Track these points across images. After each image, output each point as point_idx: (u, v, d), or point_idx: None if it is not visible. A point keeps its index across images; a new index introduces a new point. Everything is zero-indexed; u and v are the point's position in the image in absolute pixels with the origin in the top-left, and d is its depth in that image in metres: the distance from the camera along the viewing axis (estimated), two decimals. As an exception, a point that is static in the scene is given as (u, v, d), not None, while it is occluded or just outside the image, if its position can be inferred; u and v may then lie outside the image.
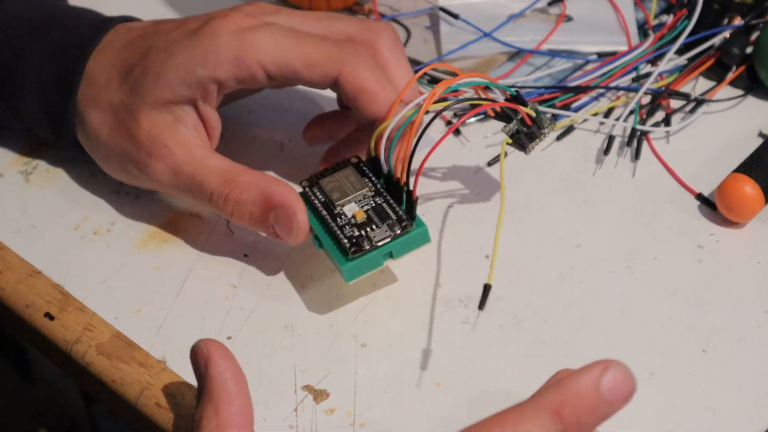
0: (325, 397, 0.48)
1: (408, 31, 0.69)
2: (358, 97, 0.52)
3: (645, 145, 0.61)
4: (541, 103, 0.63)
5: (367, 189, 0.52)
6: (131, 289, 0.54)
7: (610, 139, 0.61)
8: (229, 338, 0.51)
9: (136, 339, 0.51)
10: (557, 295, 0.53)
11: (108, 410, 0.92)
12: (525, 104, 0.54)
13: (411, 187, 0.50)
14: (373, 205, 0.51)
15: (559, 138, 0.62)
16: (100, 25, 0.57)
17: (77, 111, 0.56)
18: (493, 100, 0.53)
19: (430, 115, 0.51)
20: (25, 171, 0.61)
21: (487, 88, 0.54)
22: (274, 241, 0.56)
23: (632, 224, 0.56)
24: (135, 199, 0.58)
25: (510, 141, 0.54)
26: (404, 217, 0.50)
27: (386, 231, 0.50)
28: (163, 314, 0.53)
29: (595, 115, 0.63)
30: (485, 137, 0.62)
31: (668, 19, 0.68)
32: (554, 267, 0.54)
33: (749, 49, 0.65)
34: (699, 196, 0.58)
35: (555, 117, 0.62)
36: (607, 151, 0.60)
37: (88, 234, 0.57)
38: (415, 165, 0.50)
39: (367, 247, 0.49)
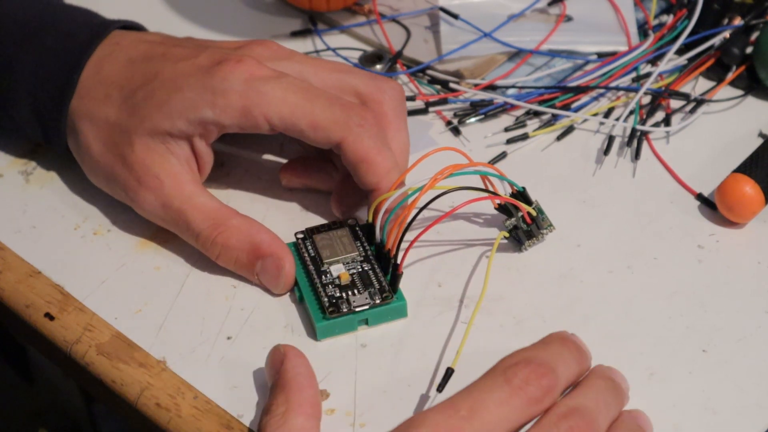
0: (325, 397, 0.48)
1: (408, 31, 0.69)
2: (359, 165, 0.53)
3: (645, 145, 0.61)
4: (541, 103, 0.63)
5: (357, 253, 0.53)
6: (131, 289, 0.54)
7: (610, 139, 0.61)
8: (229, 338, 0.51)
9: (136, 339, 0.51)
10: (557, 295, 0.53)
11: (108, 410, 0.92)
12: (529, 202, 0.54)
13: (398, 261, 0.51)
14: (360, 270, 0.52)
15: (559, 138, 0.62)
16: (95, 31, 0.57)
17: (70, 120, 0.56)
18: (496, 193, 0.53)
19: (429, 196, 0.51)
20: (25, 171, 0.61)
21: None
22: (274, 241, 0.56)
23: (632, 224, 0.56)
24: (135, 199, 0.58)
25: (507, 235, 0.54)
26: (386, 288, 0.51)
27: (366, 298, 0.51)
28: (163, 314, 0.53)
29: (595, 115, 0.63)
30: (485, 137, 0.62)
31: (668, 19, 0.68)
32: (554, 267, 0.54)
33: (749, 49, 0.65)
34: (699, 196, 0.58)
35: (555, 117, 0.62)
36: (607, 151, 0.60)
37: (88, 234, 0.57)
38: (409, 235, 0.51)
39: (345, 310, 0.50)
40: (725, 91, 0.64)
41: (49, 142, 0.58)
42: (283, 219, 0.57)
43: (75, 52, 0.56)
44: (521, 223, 0.54)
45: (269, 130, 0.53)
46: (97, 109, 0.55)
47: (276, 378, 0.46)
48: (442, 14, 0.68)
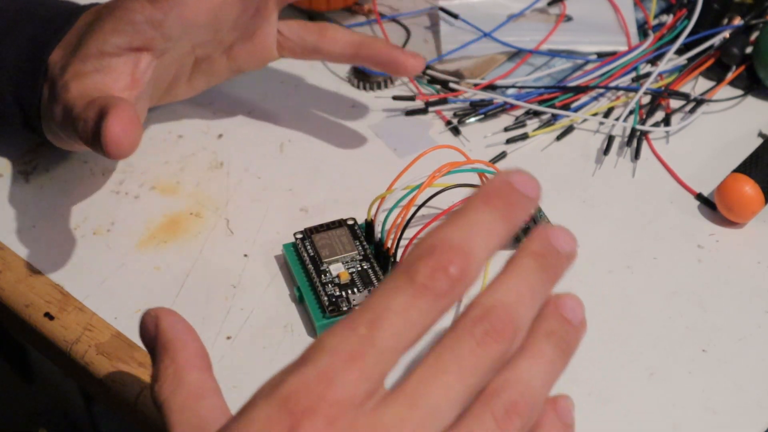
0: (325, 397, 0.48)
1: (408, 31, 0.69)
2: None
3: (645, 145, 0.61)
4: (541, 103, 0.63)
5: (356, 252, 0.53)
6: (131, 289, 0.54)
7: (610, 139, 0.61)
8: (228, 338, 0.51)
9: (136, 339, 0.51)
10: (557, 295, 0.53)
11: (108, 410, 0.92)
12: None
13: (398, 259, 0.51)
14: (359, 269, 0.52)
15: (559, 138, 0.62)
16: (70, 13, 0.57)
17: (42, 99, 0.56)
18: None
19: (427, 194, 0.51)
20: (25, 171, 0.61)
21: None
22: (273, 241, 0.56)
23: (632, 224, 0.56)
24: (135, 199, 0.58)
25: None
26: None
27: (366, 296, 0.50)
28: (163, 314, 0.53)
29: (594, 115, 0.63)
30: (485, 137, 0.62)
31: (668, 19, 0.67)
32: (554, 267, 0.54)
33: (749, 49, 0.65)
34: (699, 196, 0.58)
35: (555, 117, 0.62)
36: (606, 151, 0.60)
37: (88, 234, 0.57)
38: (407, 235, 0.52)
39: (345, 309, 0.50)
40: (725, 91, 0.64)
41: (31, 129, 0.57)
42: (283, 219, 0.57)
43: (48, 35, 0.56)
44: None
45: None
46: (58, 70, 0.55)
47: (154, 342, 0.42)
48: (441, 14, 0.68)
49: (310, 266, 0.52)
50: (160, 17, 0.53)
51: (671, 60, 0.65)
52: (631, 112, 0.62)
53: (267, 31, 0.59)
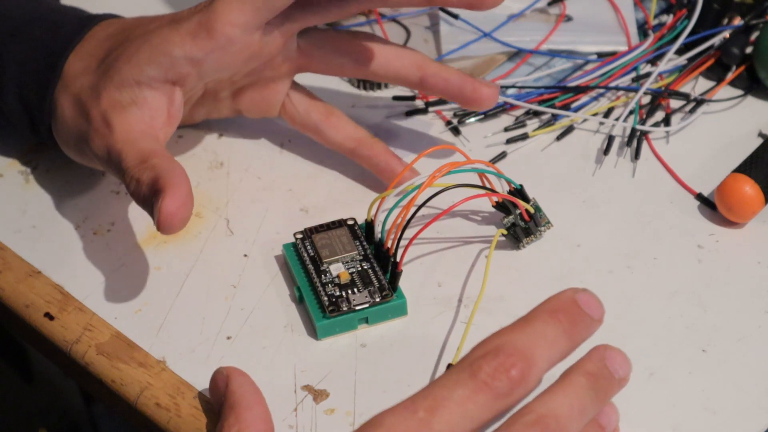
0: (325, 397, 0.48)
1: (408, 31, 0.69)
2: None
3: (645, 145, 0.61)
4: (541, 103, 0.63)
5: (356, 252, 0.53)
6: (131, 289, 0.54)
7: (610, 139, 0.61)
8: (229, 338, 0.51)
9: (136, 339, 0.52)
10: (557, 295, 0.53)
11: (108, 410, 0.92)
12: (527, 200, 0.54)
13: (398, 259, 0.51)
14: (359, 269, 0.52)
15: (559, 138, 0.62)
16: (83, 22, 0.57)
17: (53, 105, 0.56)
18: (494, 190, 0.54)
19: (427, 194, 0.51)
20: (25, 171, 0.61)
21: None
22: (273, 241, 0.56)
23: (632, 224, 0.56)
24: (135, 199, 0.59)
25: (505, 233, 0.54)
26: (386, 286, 0.51)
27: (366, 297, 0.51)
28: (163, 314, 0.53)
29: (594, 115, 0.63)
30: (485, 137, 0.62)
31: (668, 19, 0.67)
32: (554, 267, 0.54)
33: (749, 49, 0.65)
34: (699, 196, 0.58)
35: (555, 117, 0.62)
36: (606, 151, 0.60)
37: (88, 234, 0.57)
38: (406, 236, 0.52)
39: (345, 309, 0.50)
40: (725, 91, 0.64)
41: (36, 133, 0.58)
42: (283, 219, 0.57)
43: (61, 41, 0.56)
44: (519, 220, 0.54)
45: (242, 38, 0.52)
46: (75, 82, 0.55)
47: (223, 400, 0.46)
48: (442, 14, 0.68)
49: (310, 266, 0.52)
50: (200, 56, 0.53)
51: (671, 60, 0.65)
52: (631, 112, 0.62)
53: (278, 88, 0.58)
